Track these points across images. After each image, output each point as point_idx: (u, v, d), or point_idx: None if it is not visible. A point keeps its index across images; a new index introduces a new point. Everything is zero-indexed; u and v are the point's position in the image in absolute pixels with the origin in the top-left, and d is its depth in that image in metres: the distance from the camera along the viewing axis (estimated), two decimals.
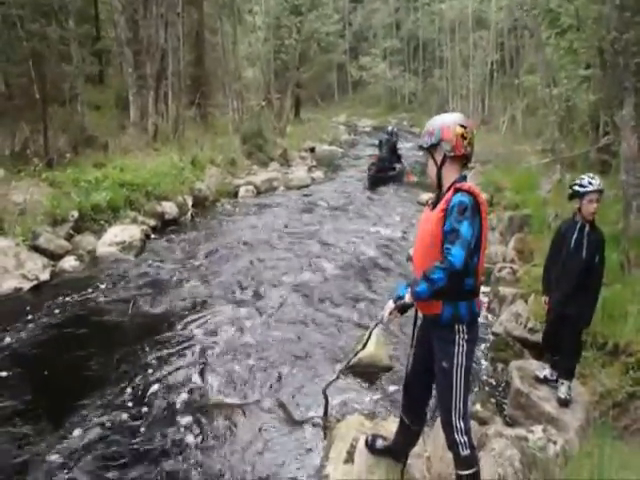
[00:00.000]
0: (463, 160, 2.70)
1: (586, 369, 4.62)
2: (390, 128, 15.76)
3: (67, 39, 11.68)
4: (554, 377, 4.16)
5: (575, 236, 3.90)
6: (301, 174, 15.39)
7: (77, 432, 3.91)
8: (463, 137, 2.63)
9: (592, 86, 9.90)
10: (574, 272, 3.87)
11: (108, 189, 9.24)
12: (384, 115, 37.49)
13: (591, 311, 3.94)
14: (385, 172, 14.33)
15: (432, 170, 2.75)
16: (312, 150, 20.43)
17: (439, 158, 2.69)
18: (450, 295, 2.54)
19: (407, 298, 2.60)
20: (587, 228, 3.88)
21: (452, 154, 2.64)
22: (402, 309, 2.67)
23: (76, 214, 8.40)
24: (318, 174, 16.02)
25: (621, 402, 4.11)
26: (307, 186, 14.42)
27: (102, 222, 8.76)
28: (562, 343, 4.05)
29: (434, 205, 2.71)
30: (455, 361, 2.61)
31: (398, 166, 14.80)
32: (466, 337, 2.61)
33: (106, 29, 17.24)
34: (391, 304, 2.72)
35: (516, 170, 11.89)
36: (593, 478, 2.84)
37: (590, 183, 3.78)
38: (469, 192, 2.55)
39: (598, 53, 7.94)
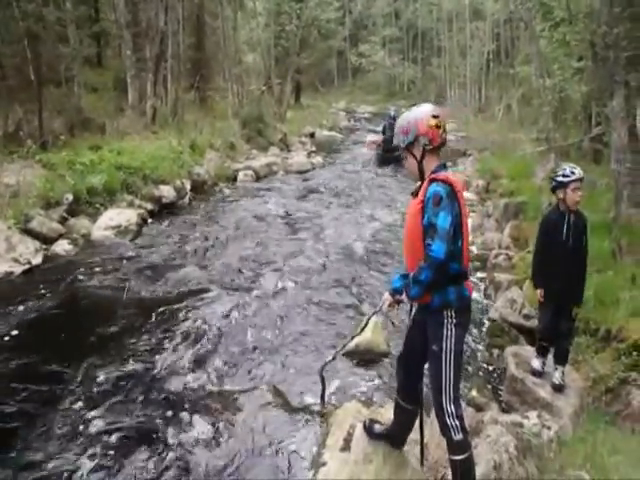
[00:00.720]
0: (439, 149, 2.71)
1: (579, 355, 4.70)
2: (392, 113, 16.30)
3: (64, 20, 11.63)
4: (544, 367, 4.24)
5: (565, 226, 3.99)
6: (301, 159, 15.45)
7: (69, 414, 3.89)
8: (437, 127, 2.63)
9: (584, 78, 10.03)
10: (570, 261, 3.97)
11: (104, 172, 9.11)
12: (383, 102, 37.49)
13: (582, 290, 4.04)
14: (391, 153, 14.96)
15: (413, 165, 2.74)
16: (312, 135, 20.52)
17: (418, 154, 2.68)
18: (439, 282, 2.57)
19: (404, 298, 2.70)
20: (573, 216, 3.98)
21: (430, 147, 2.65)
22: (398, 300, 2.80)
23: (71, 197, 8.21)
24: (318, 159, 16.08)
25: (613, 388, 4.17)
26: (307, 171, 14.48)
27: (98, 205, 8.61)
28: (559, 329, 4.11)
29: (416, 195, 2.73)
30: (444, 345, 2.61)
31: None
32: (455, 322, 2.61)
33: (105, 11, 17.15)
34: (387, 296, 2.82)
35: (512, 158, 12.03)
36: (586, 463, 2.91)
37: (572, 172, 3.89)
38: (444, 181, 2.56)
39: (590, 46, 8.06)
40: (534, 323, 5.05)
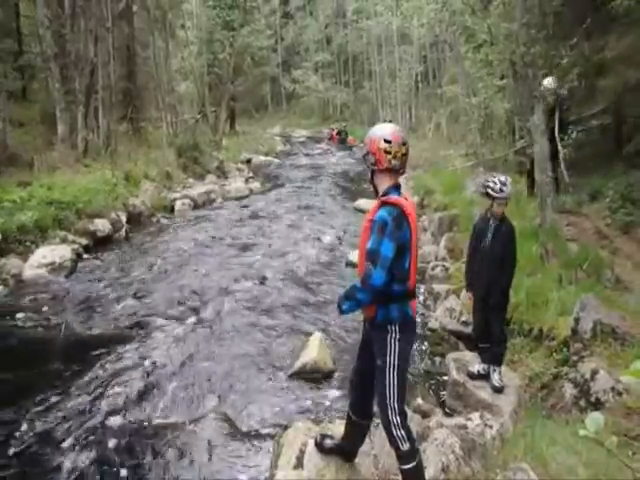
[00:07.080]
0: (391, 172, 2.73)
1: (515, 355, 4.97)
2: (344, 124, 28.77)
3: None
4: (486, 371, 4.39)
5: (490, 232, 4.26)
6: (239, 185, 15.45)
7: (8, 456, 3.74)
8: (386, 152, 2.65)
9: (507, 95, 10.64)
10: (490, 264, 4.20)
11: (34, 208, 8.80)
12: (318, 126, 38.09)
13: (503, 290, 4.23)
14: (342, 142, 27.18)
15: (370, 177, 2.86)
16: (249, 161, 20.54)
17: (370, 168, 2.80)
18: (381, 300, 2.66)
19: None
20: (497, 223, 4.24)
21: (375, 167, 2.72)
22: None
23: None
24: (256, 185, 16.12)
25: (548, 383, 4.43)
26: (245, 197, 14.47)
27: (28, 243, 8.26)
28: (490, 331, 4.30)
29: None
30: (388, 360, 2.67)
31: None
32: (398, 337, 2.68)
33: (29, 43, 16.70)
34: None
35: (443, 173, 12.45)
36: (527, 456, 3.06)
37: (502, 190, 4.15)
38: (394, 204, 2.61)
39: (510, 65, 8.56)
40: (471, 329, 5.20)
